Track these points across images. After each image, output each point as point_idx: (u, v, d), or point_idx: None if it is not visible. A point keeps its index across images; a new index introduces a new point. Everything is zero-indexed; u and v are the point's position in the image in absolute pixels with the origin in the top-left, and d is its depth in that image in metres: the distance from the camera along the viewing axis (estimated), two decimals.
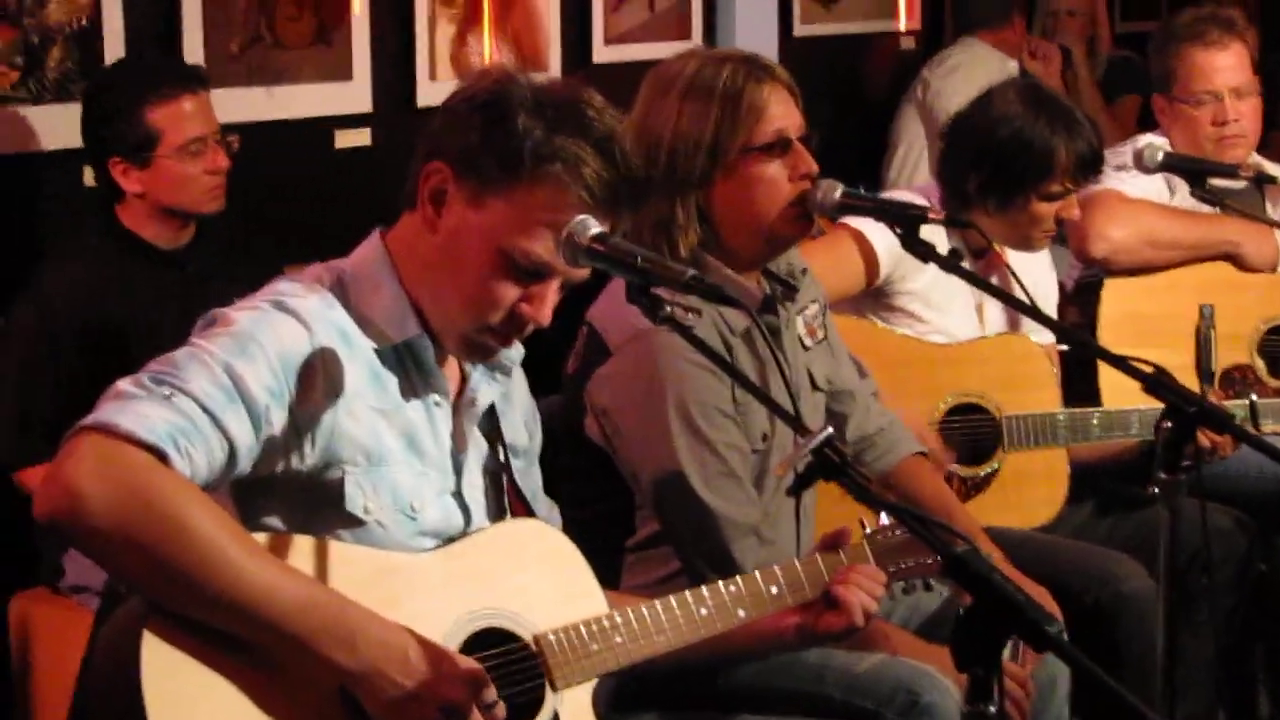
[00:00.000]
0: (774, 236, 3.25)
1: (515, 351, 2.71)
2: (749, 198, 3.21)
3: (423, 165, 2.58)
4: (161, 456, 2.29)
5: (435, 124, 2.60)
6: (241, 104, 4.74)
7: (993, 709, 2.12)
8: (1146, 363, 2.96)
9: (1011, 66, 6.93)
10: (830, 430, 2.26)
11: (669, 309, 2.45)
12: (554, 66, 5.69)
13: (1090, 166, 4.04)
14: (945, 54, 6.92)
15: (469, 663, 2.44)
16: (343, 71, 5.09)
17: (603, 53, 5.89)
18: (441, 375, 2.63)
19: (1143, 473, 4.23)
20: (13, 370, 4.04)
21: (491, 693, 2.43)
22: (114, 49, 4.46)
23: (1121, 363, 2.99)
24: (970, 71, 6.69)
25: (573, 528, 2.87)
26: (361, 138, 5.22)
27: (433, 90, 5.32)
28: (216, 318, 2.49)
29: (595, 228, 2.48)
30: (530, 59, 5.62)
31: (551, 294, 2.56)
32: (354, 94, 5.14)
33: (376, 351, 2.56)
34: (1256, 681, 4.61)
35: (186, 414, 2.33)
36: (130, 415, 2.29)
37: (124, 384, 2.36)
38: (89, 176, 4.46)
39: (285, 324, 2.47)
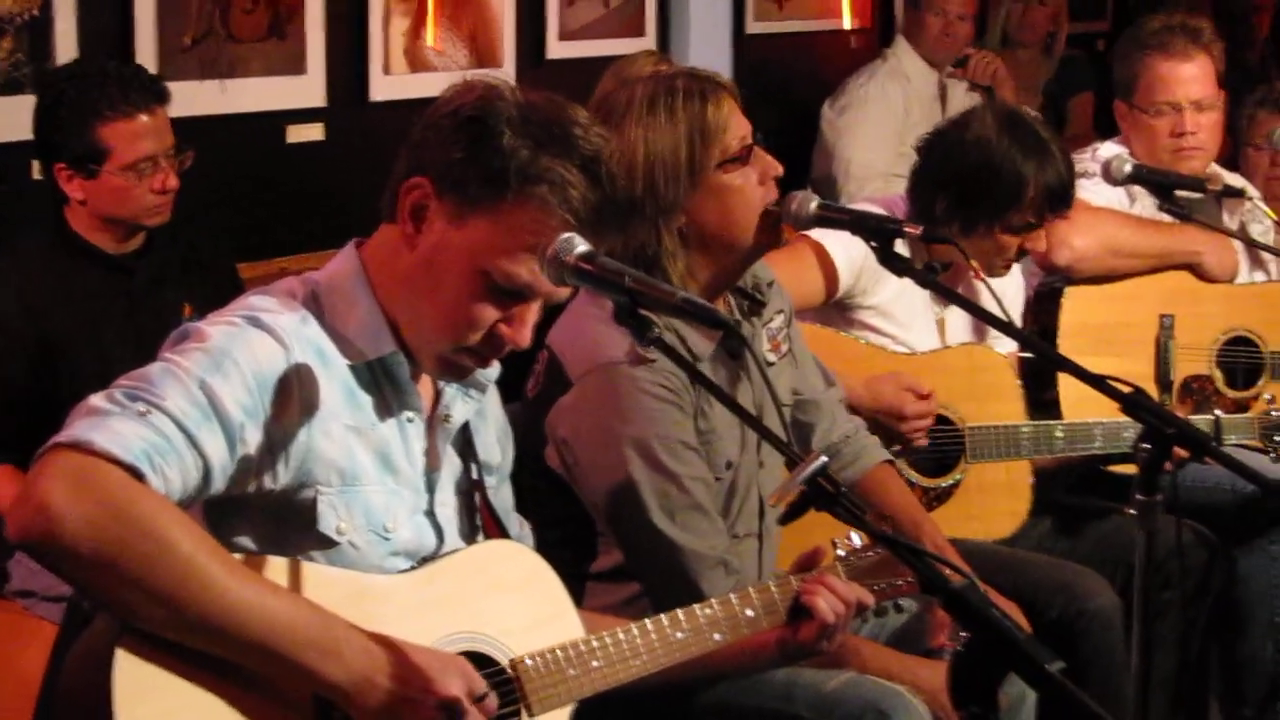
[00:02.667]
0: (750, 247, 3.21)
1: (491, 370, 2.66)
2: (725, 209, 3.16)
3: (404, 179, 2.51)
4: (137, 475, 2.22)
5: (416, 136, 2.53)
6: (193, 97, 4.66)
7: None
8: (1124, 382, 2.93)
9: (930, 80, 6.66)
10: (824, 459, 2.22)
11: (657, 331, 2.40)
12: (508, 62, 5.64)
13: (1058, 201, 3.98)
14: (844, 85, 6.65)
15: (455, 658, 2.41)
16: (296, 65, 5.02)
17: (556, 49, 5.85)
18: (416, 392, 2.58)
19: (1097, 485, 4.28)
20: None
21: (481, 683, 2.39)
22: (66, 40, 4.39)
23: (1100, 382, 2.96)
24: (859, 112, 6.46)
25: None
26: (314, 132, 5.15)
27: (386, 85, 5.27)
28: (189, 332, 2.42)
29: (581, 246, 2.42)
30: (484, 55, 5.56)
31: (532, 315, 2.51)
32: (307, 88, 5.07)
33: (351, 368, 2.50)
34: (1208, 692, 4.61)
35: (162, 432, 2.26)
36: (105, 432, 2.22)
37: (97, 399, 2.29)
38: (38, 170, 4.38)
39: (261, 341, 2.40)
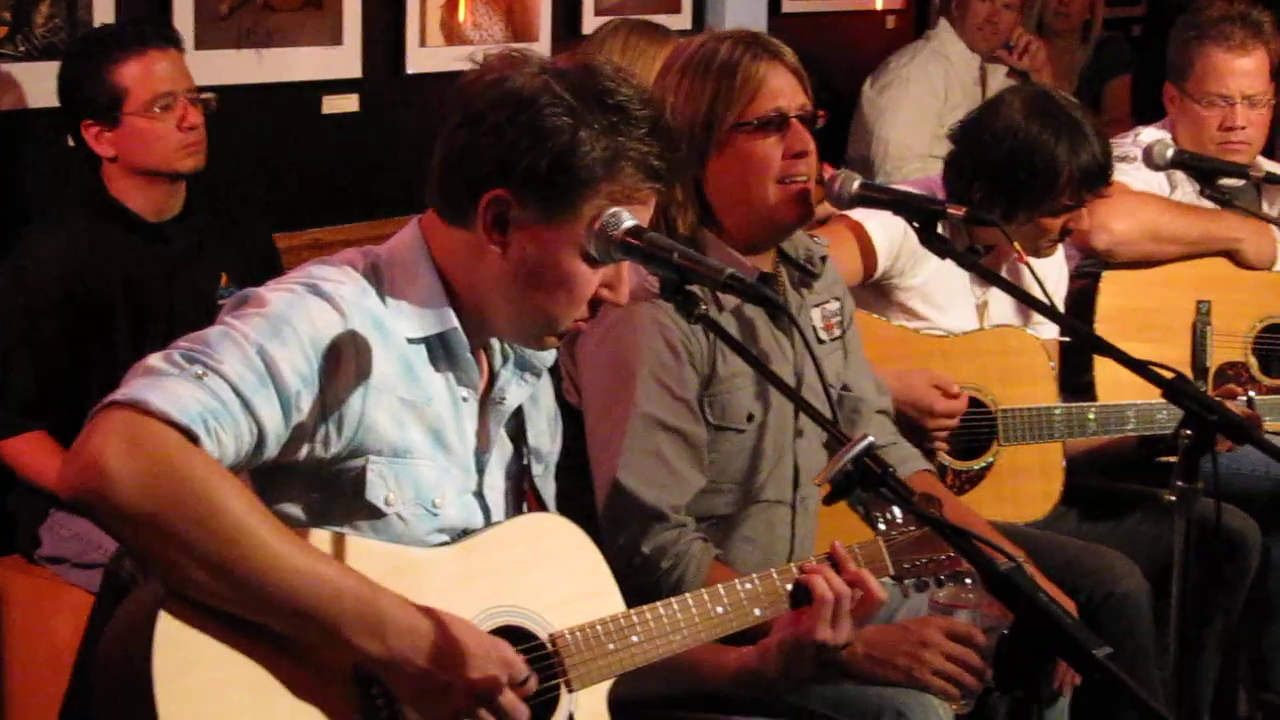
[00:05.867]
0: (769, 219, 3.16)
1: (548, 354, 2.66)
2: (740, 175, 3.13)
3: (478, 190, 2.46)
4: (192, 438, 2.22)
5: (471, 142, 2.47)
6: (230, 66, 4.66)
7: None
8: (1166, 368, 2.93)
9: (971, 64, 6.60)
10: (871, 438, 2.21)
11: (704, 309, 2.39)
12: (544, 37, 5.61)
13: (1096, 180, 3.94)
14: (885, 64, 6.57)
15: (498, 642, 2.38)
16: (333, 36, 5.00)
17: (593, 24, 5.79)
18: (475, 369, 2.57)
19: (1138, 471, 4.26)
20: None
21: (522, 669, 2.38)
22: (103, 6, 4.36)
23: (1142, 367, 2.96)
24: (900, 91, 6.40)
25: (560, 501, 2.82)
26: (349, 103, 5.13)
27: (422, 57, 5.25)
28: (249, 297, 2.41)
29: (629, 221, 2.42)
30: (519, 29, 5.55)
31: (626, 272, 2.52)
32: (343, 59, 5.05)
33: (409, 342, 2.49)
34: (1237, 678, 4.60)
35: (218, 395, 2.26)
36: (161, 393, 2.23)
37: (154, 360, 2.29)
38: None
39: (319, 309, 2.40)
